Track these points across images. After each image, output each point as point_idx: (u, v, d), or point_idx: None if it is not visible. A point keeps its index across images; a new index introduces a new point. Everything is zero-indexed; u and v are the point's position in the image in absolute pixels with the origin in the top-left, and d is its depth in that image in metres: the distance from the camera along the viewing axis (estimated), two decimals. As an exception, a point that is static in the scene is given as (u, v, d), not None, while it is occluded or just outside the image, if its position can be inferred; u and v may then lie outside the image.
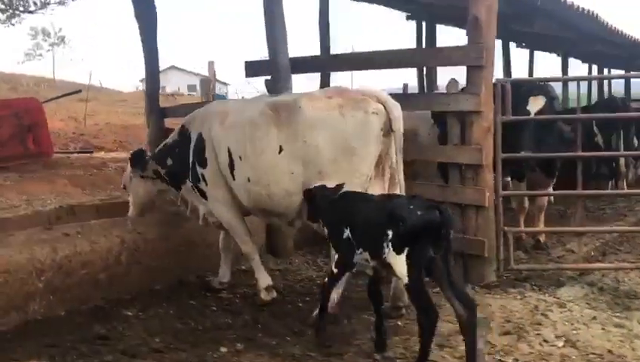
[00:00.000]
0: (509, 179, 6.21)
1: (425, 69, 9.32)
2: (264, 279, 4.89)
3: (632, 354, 3.80)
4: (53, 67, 44.90)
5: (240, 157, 4.54)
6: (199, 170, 4.88)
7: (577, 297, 4.96)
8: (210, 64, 18.46)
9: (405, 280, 3.36)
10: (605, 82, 17.15)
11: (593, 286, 5.30)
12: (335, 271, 3.83)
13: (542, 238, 6.57)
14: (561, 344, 3.96)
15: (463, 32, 5.31)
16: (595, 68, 17.89)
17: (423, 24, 10.12)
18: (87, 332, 4.15)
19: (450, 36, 12.08)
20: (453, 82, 5.28)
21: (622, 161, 10.21)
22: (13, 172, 8.73)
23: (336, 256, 3.85)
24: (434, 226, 3.31)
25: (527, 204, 6.49)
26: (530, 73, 14.64)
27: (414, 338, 3.76)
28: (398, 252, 3.35)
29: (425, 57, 5.74)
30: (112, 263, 4.87)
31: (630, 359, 3.73)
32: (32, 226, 5.14)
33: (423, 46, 9.60)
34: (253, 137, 4.45)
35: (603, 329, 4.22)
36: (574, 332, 4.15)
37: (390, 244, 3.38)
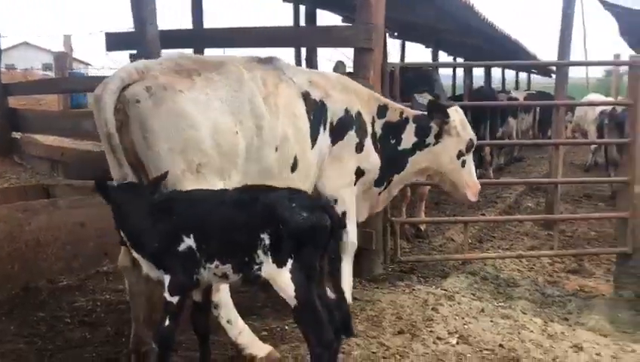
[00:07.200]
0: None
1: (306, 51, 8.96)
2: None
3: (521, 346, 3.73)
4: None
5: None
6: None
7: (463, 288, 4.93)
8: (67, 38, 16.78)
9: (293, 301, 2.63)
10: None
11: (476, 275, 5.33)
12: (171, 299, 2.72)
13: (423, 227, 6.58)
14: (454, 341, 3.80)
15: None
16: (460, 61, 18.84)
17: (302, 8, 9.76)
18: None
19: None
20: (340, 64, 4.96)
21: (487, 149, 10.80)
22: None
23: (167, 278, 2.76)
24: (323, 230, 2.65)
25: (409, 193, 6.42)
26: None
27: (304, 346, 3.36)
28: (280, 264, 2.64)
29: (313, 36, 5.34)
30: None
31: (520, 352, 3.64)
32: None
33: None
34: None
35: (492, 321, 4.15)
36: (465, 327, 4.02)
37: (269, 254, 2.63)
